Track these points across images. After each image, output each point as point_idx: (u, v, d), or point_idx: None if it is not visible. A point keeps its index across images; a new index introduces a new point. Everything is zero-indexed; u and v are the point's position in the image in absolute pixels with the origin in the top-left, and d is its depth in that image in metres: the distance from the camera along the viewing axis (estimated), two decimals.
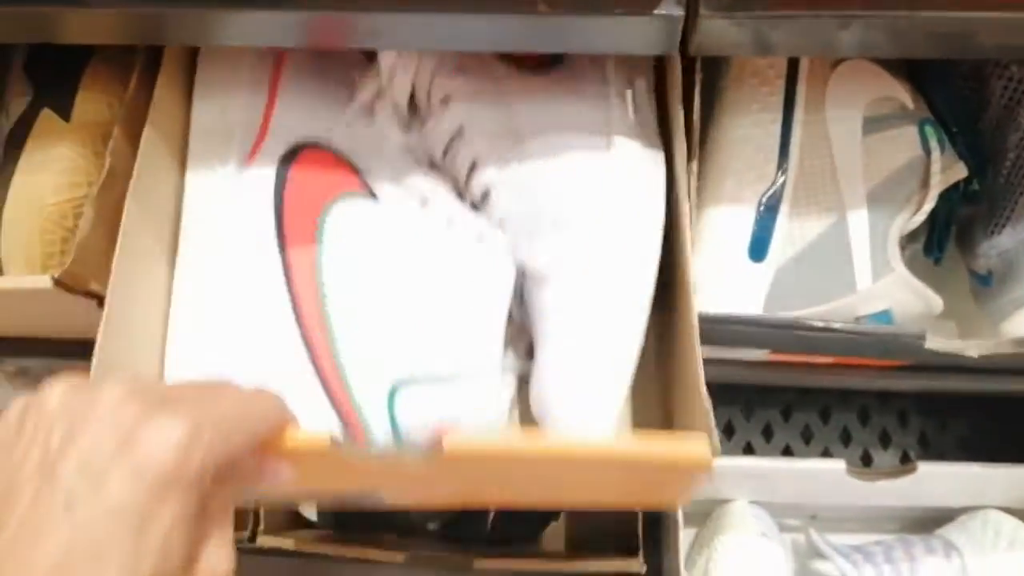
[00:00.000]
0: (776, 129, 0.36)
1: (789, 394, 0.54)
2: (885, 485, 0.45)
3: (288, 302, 0.33)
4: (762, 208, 0.36)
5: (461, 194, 0.37)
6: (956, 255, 0.43)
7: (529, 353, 0.36)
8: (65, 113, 0.35)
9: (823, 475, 0.45)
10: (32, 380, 0.46)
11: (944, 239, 0.41)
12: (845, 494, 0.46)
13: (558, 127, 0.34)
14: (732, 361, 0.39)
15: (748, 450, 0.53)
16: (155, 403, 0.22)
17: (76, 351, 0.40)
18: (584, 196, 0.33)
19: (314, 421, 0.30)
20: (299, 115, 0.35)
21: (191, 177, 0.35)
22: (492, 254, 0.34)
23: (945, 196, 0.38)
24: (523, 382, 0.36)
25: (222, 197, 0.34)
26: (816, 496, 0.48)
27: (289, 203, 0.34)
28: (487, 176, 0.35)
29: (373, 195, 0.35)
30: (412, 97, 0.37)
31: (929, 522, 0.49)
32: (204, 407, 0.22)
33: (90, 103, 0.36)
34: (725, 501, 0.48)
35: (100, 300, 0.32)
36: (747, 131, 0.36)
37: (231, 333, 0.33)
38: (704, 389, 0.30)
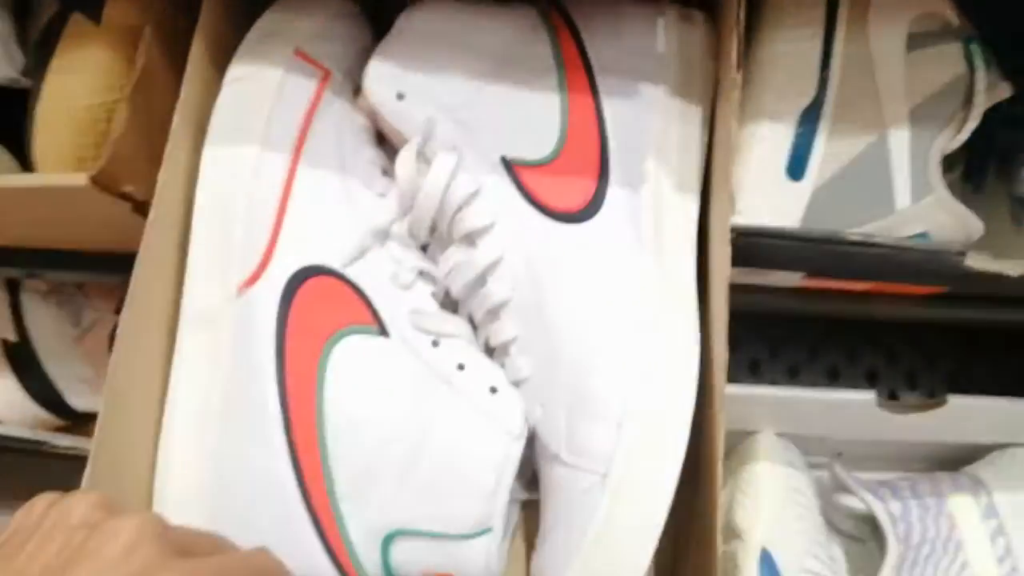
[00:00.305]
0: (817, 44, 0.35)
1: (816, 334, 0.54)
2: (914, 419, 0.45)
3: (285, 442, 0.31)
4: (801, 125, 0.35)
5: (476, 326, 0.35)
6: (994, 187, 0.42)
7: (533, 483, 0.35)
8: (95, 16, 0.34)
9: (852, 406, 0.45)
10: (66, 299, 0.47)
11: (985, 164, 0.40)
12: (873, 428, 0.46)
13: (589, 297, 0.32)
14: (763, 288, 0.39)
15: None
16: (167, 556, 0.22)
17: (108, 266, 0.41)
18: (611, 387, 0.31)
19: (307, 564, 0.30)
20: (308, 236, 0.33)
21: (186, 297, 0.33)
22: (504, 411, 0.33)
23: (986, 119, 0.37)
24: (524, 507, 0.36)
25: (219, 324, 0.32)
26: (843, 430, 0.47)
27: (292, 335, 0.32)
28: (508, 329, 0.33)
29: (383, 328, 0.33)
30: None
31: (957, 461, 0.49)
32: (209, 570, 0.23)
33: (120, 5, 0.35)
34: (750, 433, 0.48)
35: (134, 203, 0.32)
36: (787, 46, 0.35)
37: (224, 470, 0.31)
38: None
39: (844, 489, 0.46)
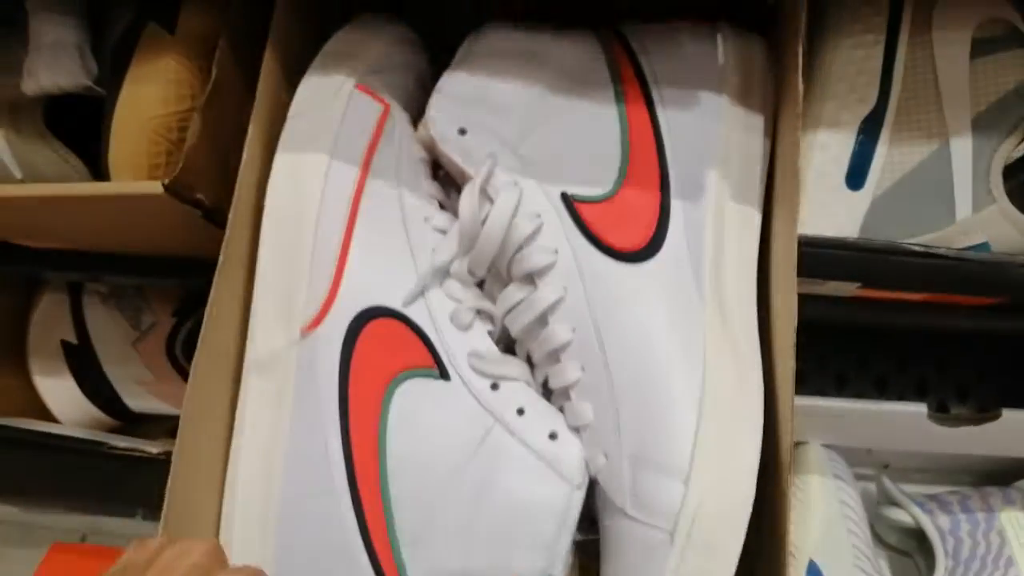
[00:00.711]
0: (879, 51, 0.35)
1: (865, 344, 0.53)
2: (967, 432, 0.44)
3: (347, 487, 0.31)
4: (862, 134, 0.35)
5: (534, 365, 0.35)
6: None
7: (592, 526, 0.34)
8: (170, 26, 0.35)
9: (902, 419, 0.44)
10: (126, 303, 0.48)
11: None
12: (923, 441, 0.45)
13: (651, 343, 0.32)
14: (813, 297, 0.39)
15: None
16: None
17: (168, 271, 0.41)
18: (676, 440, 0.30)
19: None
20: (369, 278, 0.33)
21: (251, 341, 0.33)
22: (565, 459, 0.32)
23: None
24: (580, 549, 0.35)
25: (283, 368, 0.32)
26: (892, 442, 0.47)
27: (355, 379, 0.32)
28: (569, 373, 0.33)
29: (442, 370, 0.33)
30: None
31: (1006, 475, 0.48)
32: None
33: (194, 15, 0.36)
34: (797, 444, 0.47)
35: (204, 210, 0.33)
36: (849, 52, 0.35)
37: (287, 514, 0.31)
38: None
39: (892, 502, 0.46)
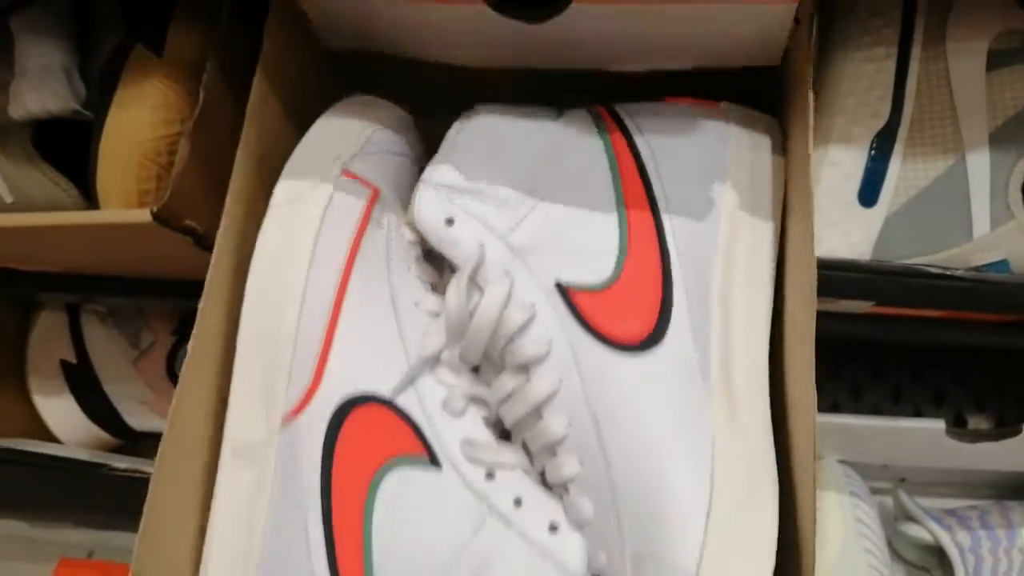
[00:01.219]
0: (891, 64, 0.34)
1: (880, 353, 0.52)
2: (985, 447, 0.43)
3: None
4: (874, 149, 0.34)
5: (531, 454, 0.33)
6: None
7: None
8: (157, 49, 0.35)
9: (919, 435, 0.43)
10: (124, 321, 0.48)
11: None
12: (940, 456, 0.44)
13: (652, 440, 0.30)
14: (829, 314, 0.38)
15: (834, 409, 0.51)
16: None
17: (164, 293, 0.41)
18: (680, 543, 0.28)
19: None
20: (355, 366, 0.31)
21: (228, 428, 0.31)
22: (565, 552, 0.30)
23: None
24: None
25: (263, 457, 0.30)
26: (908, 457, 0.46)
27: (338, 468, 0.30)
28: (566, 467, 0.31)
29: (433, 457, 0.31)
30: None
31: None
32: None
33: (182, 38, 0.35)
34: None
35: (195, 236, 0.32)
36: (859, 65, 0.34)
37: None
38: None
39: (909, 517, 0.45)
